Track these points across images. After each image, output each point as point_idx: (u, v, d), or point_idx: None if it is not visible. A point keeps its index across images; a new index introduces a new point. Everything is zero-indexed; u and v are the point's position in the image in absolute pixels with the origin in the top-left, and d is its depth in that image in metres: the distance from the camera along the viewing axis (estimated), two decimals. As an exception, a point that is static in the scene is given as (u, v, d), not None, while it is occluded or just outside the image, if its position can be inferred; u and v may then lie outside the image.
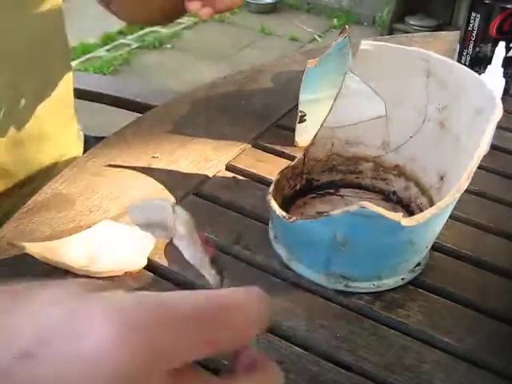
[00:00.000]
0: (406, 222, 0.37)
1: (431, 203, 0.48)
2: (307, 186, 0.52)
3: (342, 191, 0.53)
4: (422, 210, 0.49)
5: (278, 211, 0.42)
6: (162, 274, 0.45)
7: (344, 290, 0.43)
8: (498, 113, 0.40)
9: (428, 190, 0.49)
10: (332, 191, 0.53)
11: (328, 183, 0.53)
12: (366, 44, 0.48)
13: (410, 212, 0.50)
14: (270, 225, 0.49)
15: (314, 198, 0.52)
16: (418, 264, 0.44)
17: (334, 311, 0.41)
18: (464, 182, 0.39)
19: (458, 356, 0.39)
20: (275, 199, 0.44)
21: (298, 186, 0.51)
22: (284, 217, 0.42)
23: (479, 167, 0.60)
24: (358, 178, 0.53)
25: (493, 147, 0.63)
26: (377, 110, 0.50)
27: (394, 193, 0.52)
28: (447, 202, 0.38)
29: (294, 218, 0.41)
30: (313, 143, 0.50)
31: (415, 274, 0.44)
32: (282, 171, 0.48)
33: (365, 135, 0.51)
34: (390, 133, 0.51)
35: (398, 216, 0.37)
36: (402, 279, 0.43)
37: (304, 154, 0.50)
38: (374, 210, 0.36)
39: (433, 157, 0.48)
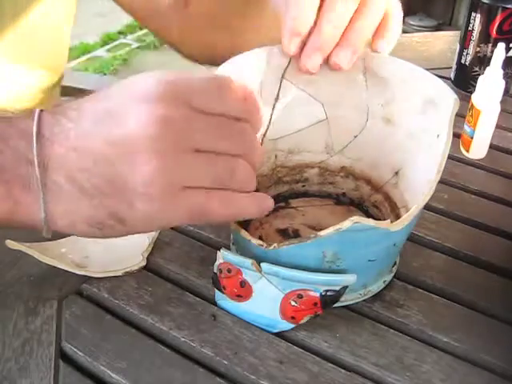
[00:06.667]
0: (394, 227, 0.36)
1: (388, 199, 0.47)
2: None
3: (292, 202, 0.52)
4: (377, 207, 0.49)
5: (254, 241, 0.39)
6: (161, 274, 0.45)
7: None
8: (454, 103, 0.40)
9: (382, 186, 0.48)
10: (283, 204, 0.51)
11: (276, 197, 0.51)
12: None
13: (364, 211, 0.50)
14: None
15: (267, 215, 0.50)
16: (394, 263, 0.45)
17: (334, 311, 0.41)
18: (437, 176, 0.38)
19: (458, 356, 0.39)
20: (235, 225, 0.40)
21: None
22: (262, 245, 0.38)
23: (479, 167, 0.61)
24: (304, 186, 0.52)
25: (493, 147, 0.63)
26: (316, 114, 0.49)
27: (344, 194, 0.51)
28: (426, 199, 0.37)
29: (275, 244, 0.38)
30: None
31: (393, 273, 0.44)
32: None
33: (307, 142, 0.50)
34: (333, 136, 0.49)
35: (387, 223, 0.36)
36: (384, 281, 0.43)
37: None
38: (367, 223, 0.35)
39: (382, 153, 0.47)
